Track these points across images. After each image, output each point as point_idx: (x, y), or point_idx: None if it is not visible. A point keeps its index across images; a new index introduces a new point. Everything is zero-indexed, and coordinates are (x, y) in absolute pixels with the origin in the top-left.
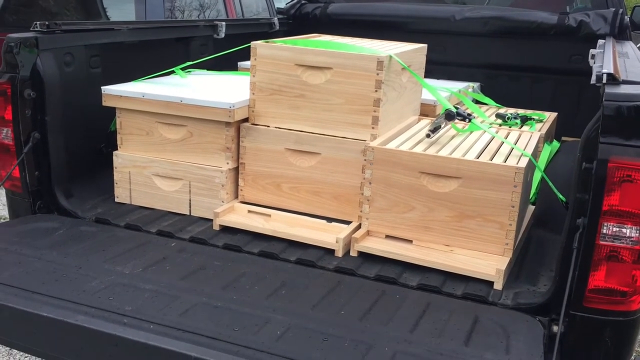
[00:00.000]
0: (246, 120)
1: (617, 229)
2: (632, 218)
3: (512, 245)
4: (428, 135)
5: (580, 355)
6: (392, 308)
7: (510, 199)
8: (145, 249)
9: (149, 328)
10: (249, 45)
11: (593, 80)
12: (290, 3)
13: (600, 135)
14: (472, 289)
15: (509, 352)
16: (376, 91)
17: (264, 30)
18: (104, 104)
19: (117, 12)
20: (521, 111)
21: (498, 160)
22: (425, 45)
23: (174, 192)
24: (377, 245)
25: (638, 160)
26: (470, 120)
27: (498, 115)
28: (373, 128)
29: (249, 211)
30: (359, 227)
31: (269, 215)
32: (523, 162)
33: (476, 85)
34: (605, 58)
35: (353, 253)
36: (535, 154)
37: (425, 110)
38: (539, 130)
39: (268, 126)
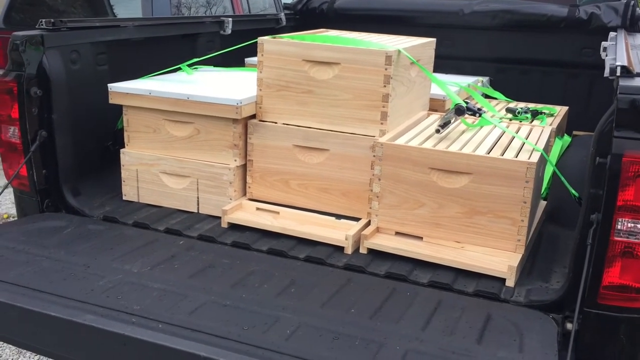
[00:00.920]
0: (254, 116)
1: (632, 224)
2: None
3: (524, 242)
4: (438, 131)
5: (595, 352)
6: (403, 306)
7: (522, 194)
8: (154, 247)
9: (157, 327)
10: (256, 41)
11: (607, 73)
12: None
13: (615, 129)
14: (484, 286)
15: (522, 350)
16: (385, 86)
17: (271, 26)
18: (110, 101)
19: (123, 9)
20: (531, 105)
21: (509, 155)
22: (434, 39)
23: (182, 190)
24: (387, 242)
25: None
26: (480, 115)
27: (508, 110)
28: (382, 124)
29: (257, 208)
30: (368, 223)
31: (278, 213)
32: (535, 157)
33: (485, 79)
34: (618, 50)
35: (362, 250)
36: (547, 148)
37: (435, 105)
38: (550, 125)
39: (276, 122)
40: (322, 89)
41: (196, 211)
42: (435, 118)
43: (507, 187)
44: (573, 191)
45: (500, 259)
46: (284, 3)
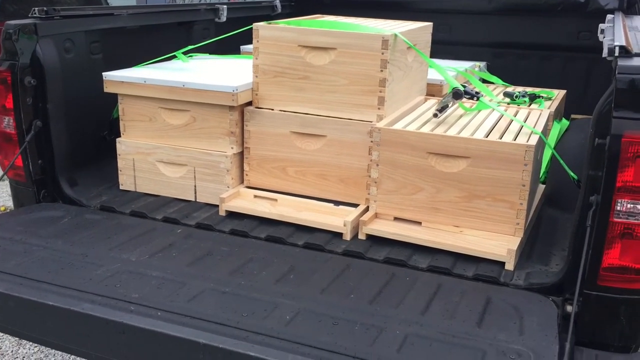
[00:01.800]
0: (250, 103)
1: (632, 205)
2: None
3: (523, 225)
4: (435, 115)
5: (595, 334)
6: (403, 290)
7: (520, 177)
8: (151, 236)
9: (156, 315)
10: (251, 29)
11: (605, 53)
12: None
13: (613, 110)
14: (483, 270)
15: (523, 332)
16: (381, 71)
17: (267, 13)
18: (105, 90)
19: None
20: (529, 89)
21: (507, 138)
22: (431, 23)
23: (179, 179)
24: (386, 228)
25: None
26: (478, 99)
27: (506, 94)
28: (379, 109)
29: (255, 196)
30: (366, 209)
31: (275, 200)
32: (533, 140)
33: (483, 64)
34: (616, 32)
35: (361, 236)
36: (545, 131)
37: (432, 90)
38: (548, 108)
39: (272, 109)
40: (318, 75)
41: (193, 199)
42: (432, 103)
43: (505, 170)
44: (572, 174)
45: (499, 242)
46: None
